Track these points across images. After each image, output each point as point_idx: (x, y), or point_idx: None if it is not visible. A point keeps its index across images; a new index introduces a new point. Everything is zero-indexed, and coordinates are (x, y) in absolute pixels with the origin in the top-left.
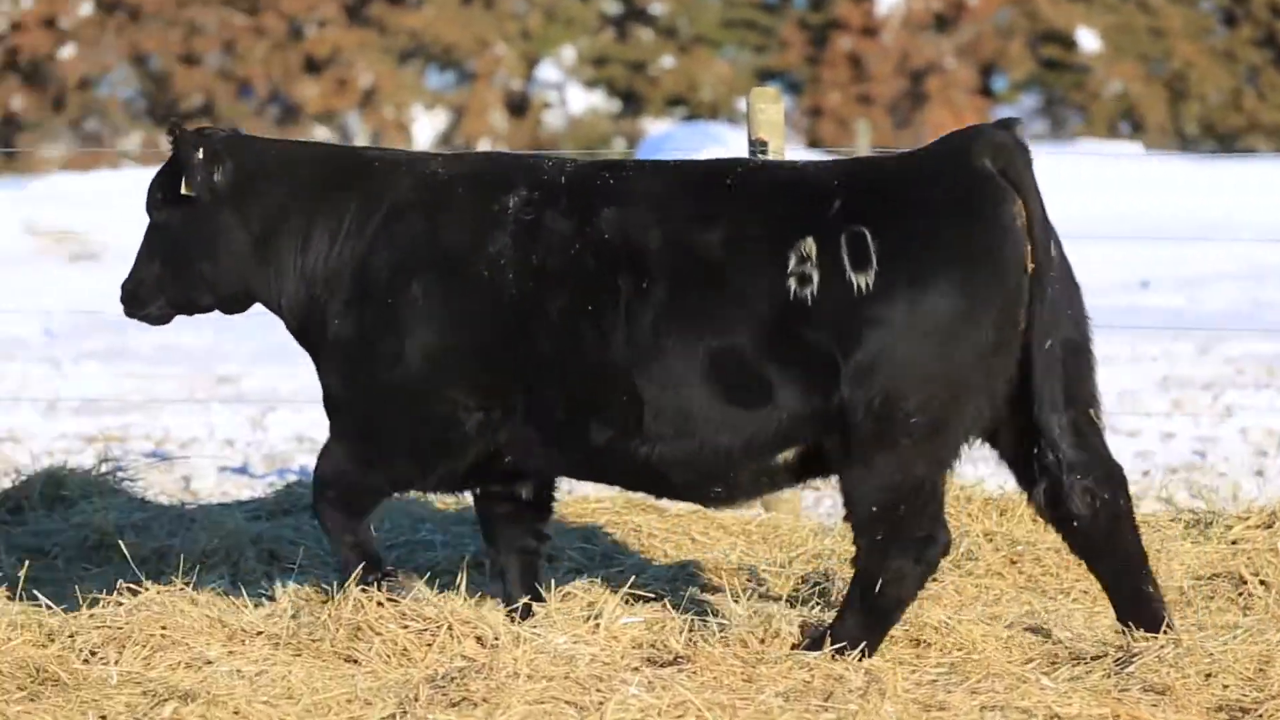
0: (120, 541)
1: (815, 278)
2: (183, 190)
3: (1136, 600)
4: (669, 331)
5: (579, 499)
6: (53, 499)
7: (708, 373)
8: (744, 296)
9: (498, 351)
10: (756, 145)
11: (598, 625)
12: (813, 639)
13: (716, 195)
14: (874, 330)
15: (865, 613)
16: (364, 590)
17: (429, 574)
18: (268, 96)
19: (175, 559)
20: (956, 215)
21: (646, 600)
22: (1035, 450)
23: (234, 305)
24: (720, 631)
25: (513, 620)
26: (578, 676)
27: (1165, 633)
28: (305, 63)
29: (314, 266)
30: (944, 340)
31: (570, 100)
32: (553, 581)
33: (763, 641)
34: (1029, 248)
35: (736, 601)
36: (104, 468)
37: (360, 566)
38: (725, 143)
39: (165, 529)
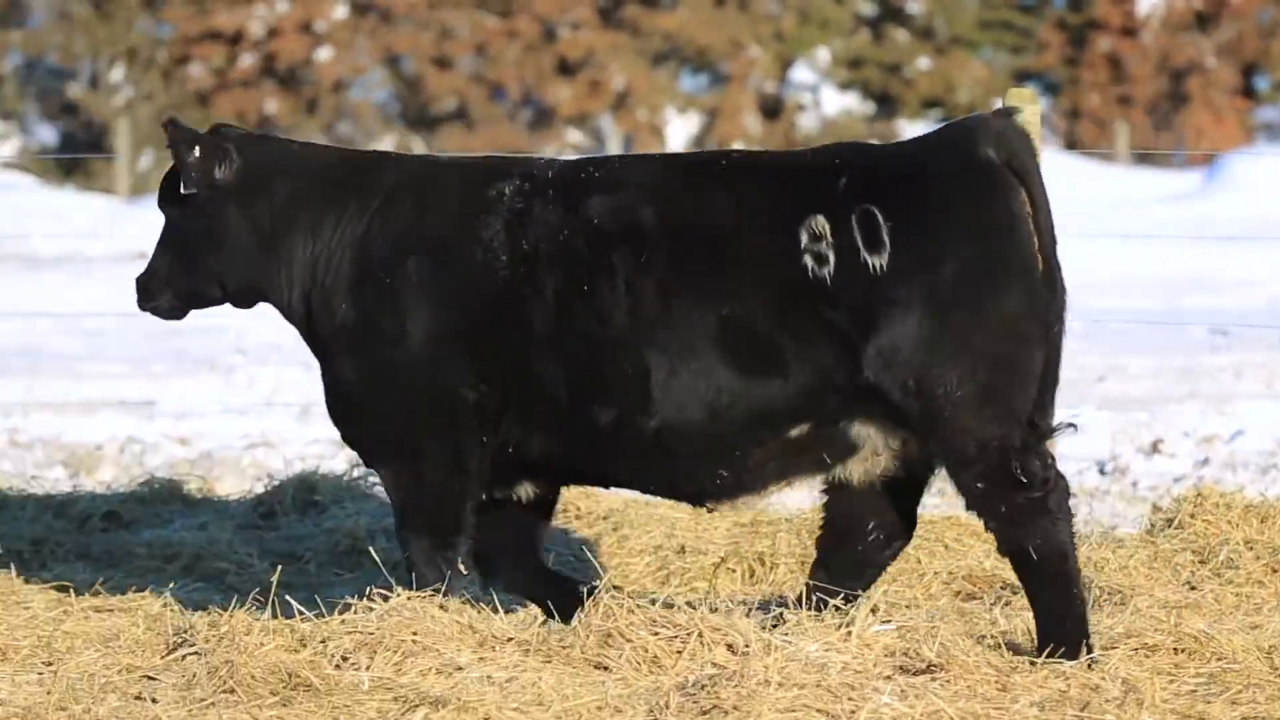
0: (371, 547)
1: (831, 258)
2: (181, 189)
3: None
4: (673, 306)
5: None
6: (305, 504)
7: (713, 346)
8: (748, 270)
9: (493, 334)
10: None
11: (849, 633)
12: None
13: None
14: (893, 311)
15: (1049, 584)
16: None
17: None
18: (520, 99)
19: None
20: (969, 198)
21: (899, 607)
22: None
23: (243, 300)
24: (974, 639)
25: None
26: (829, 684)
27: None
28: (558, 65)
29: (319, 262)
30: (970, 314)
31: (824, 102)
32: (804, 588)
33: (1016, 650)
34: (1036, 236)
35: (989, 609)
36: (356, 473)
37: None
38: None
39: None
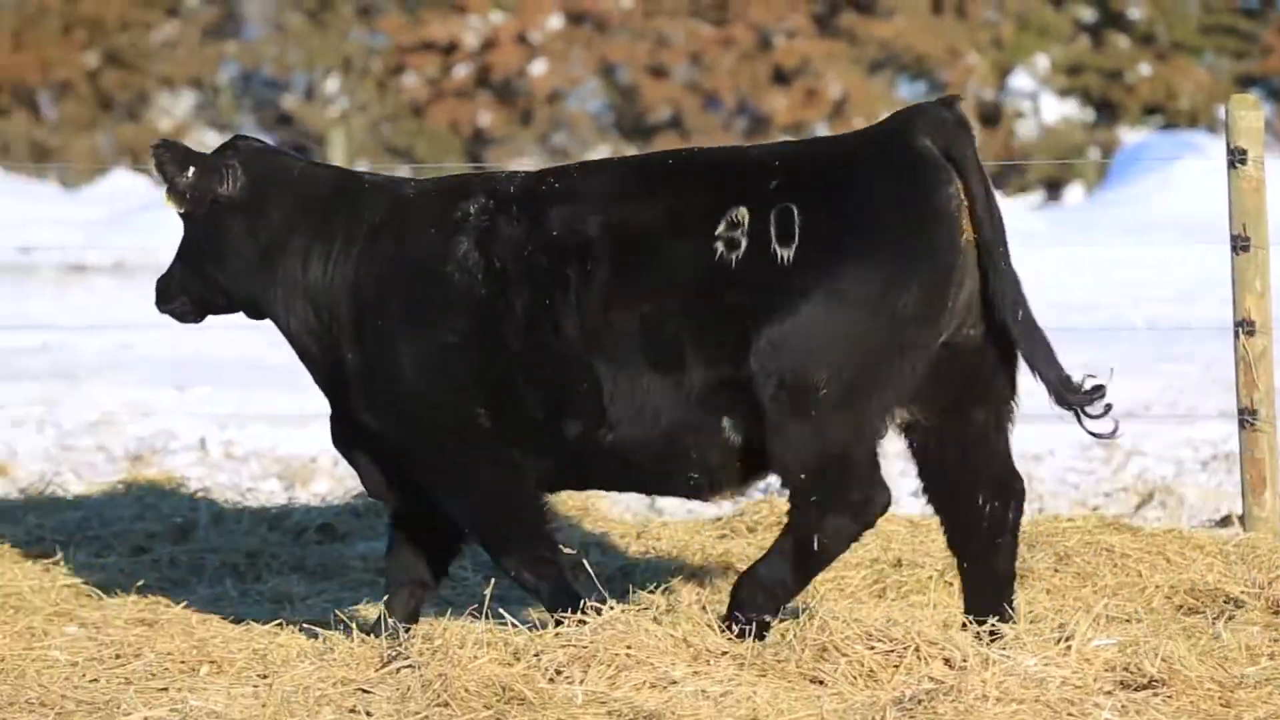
0: (584, 560)
1: (742, 245)
2: (165, 202)
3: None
4: (612, 315)
5: (1049, 517)
6: None
7: (646, 347)
8: (673, 266)
9: (474, 353)
10: (1235, 153)
11: (1069, 647)
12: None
13: (658, 175)
14: (786, 304)
15: (794, 562)
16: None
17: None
18: (736, 108)
19: (639, 578)
20: (887, 194)
21: (1120, 621)
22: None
23: (249, 312)
24: (1196, 654)
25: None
26: (1048, 700)
27: None
28: (774, 73)
29: (319, 306)
30: (856, 317)
31: (1044, 110)
32: (1022, 602)
33: (1240, 666)
34: (968, 226)
35: (1212, 623)
36: None
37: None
38: (1204, 151)
39: (629, 547)
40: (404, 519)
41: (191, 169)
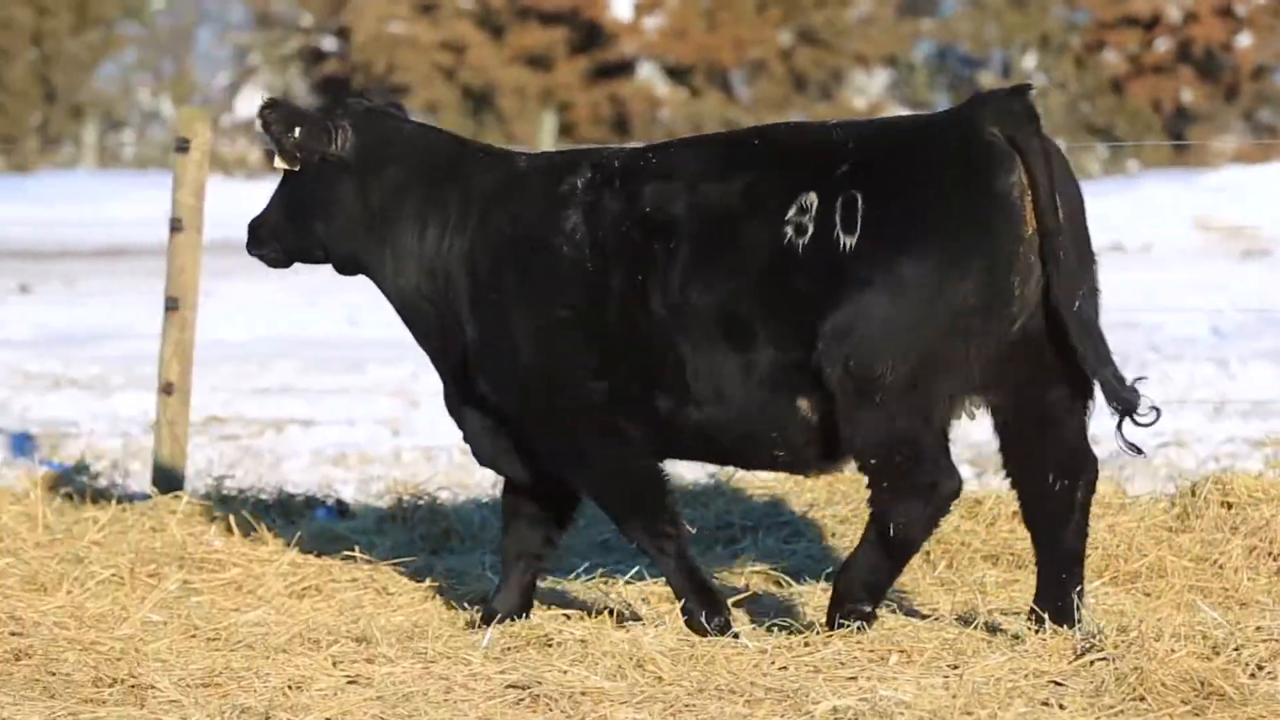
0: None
1: (809, 231)
2: (275, 164)
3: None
4: (694, 290)
5: None
6: (1219, 504)
7: (723, 327)
8: (748, 248)
9: (583, 326)
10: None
11: None
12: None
13: (742, 154)
14: (849, 292)
15: (882, 551)
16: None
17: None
18: None
19: None
20: (950, 182)
21: None
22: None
23: (343, 268)
24: None
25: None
26: None
27: None
28: None
29: (434, 272)
30: (918, 304)
31: None
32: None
33: None
34: (1029, 215)
35: None
36: (1271, 474)
37: (699, 600)
38: None
39: None
40: (516, 490)
41: (298, 129)
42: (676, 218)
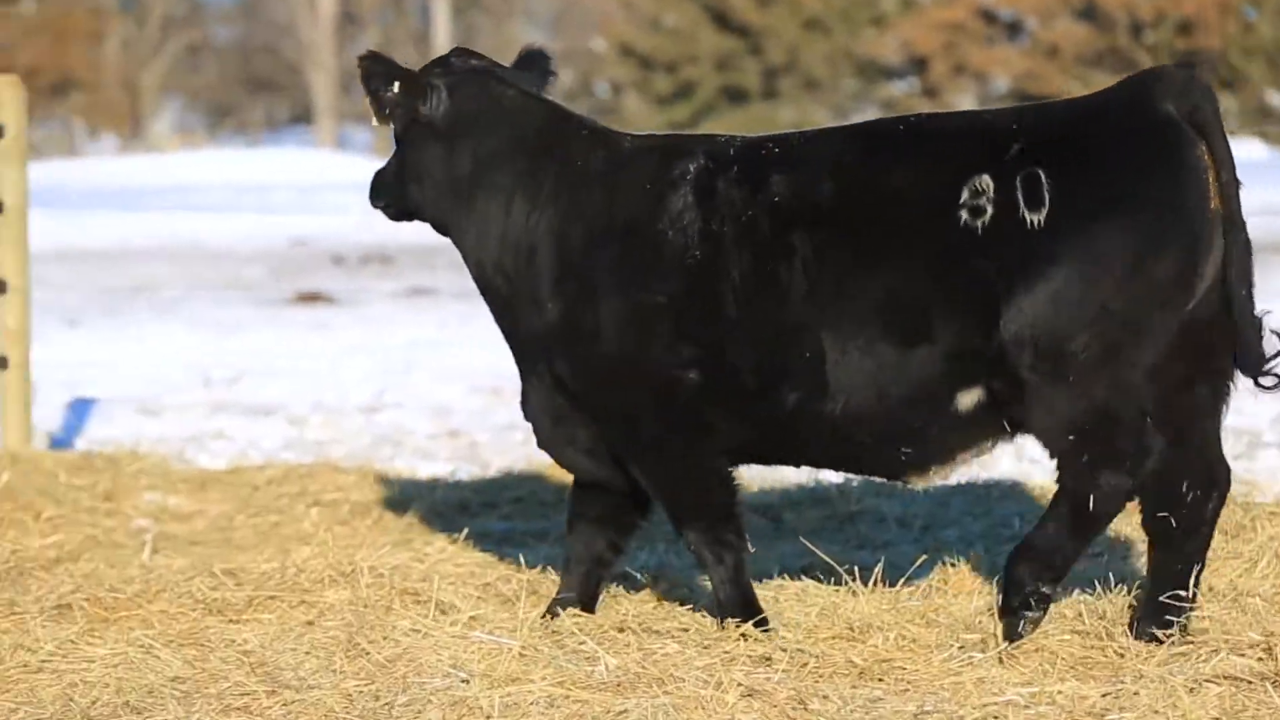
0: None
1: (987, 213)
2: (373, 121)
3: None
4: (842, 283)
5: None
6: None
7: (881, 317)
8: (912, 234)
9: (684, 315)
10: None
11: None
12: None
13: (891, 143)
14: (1040, 270)
15: (1071, 528)
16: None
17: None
18: None
19: None
20: (1138, 158)
21: None
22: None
23: (440, 231)
24: None
25: (550, 617)
26: None
27: None
28: None
29: (519, 247)
30: (1113, 280)
31: None
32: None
33: None
34: (1214, 192)
35: None
36: None
37: (745, 618)
38: None
39: None
40: (584, 489)
41: (397, 84)
42: (818, 207)
